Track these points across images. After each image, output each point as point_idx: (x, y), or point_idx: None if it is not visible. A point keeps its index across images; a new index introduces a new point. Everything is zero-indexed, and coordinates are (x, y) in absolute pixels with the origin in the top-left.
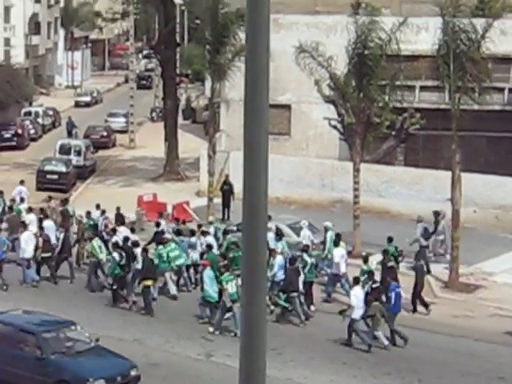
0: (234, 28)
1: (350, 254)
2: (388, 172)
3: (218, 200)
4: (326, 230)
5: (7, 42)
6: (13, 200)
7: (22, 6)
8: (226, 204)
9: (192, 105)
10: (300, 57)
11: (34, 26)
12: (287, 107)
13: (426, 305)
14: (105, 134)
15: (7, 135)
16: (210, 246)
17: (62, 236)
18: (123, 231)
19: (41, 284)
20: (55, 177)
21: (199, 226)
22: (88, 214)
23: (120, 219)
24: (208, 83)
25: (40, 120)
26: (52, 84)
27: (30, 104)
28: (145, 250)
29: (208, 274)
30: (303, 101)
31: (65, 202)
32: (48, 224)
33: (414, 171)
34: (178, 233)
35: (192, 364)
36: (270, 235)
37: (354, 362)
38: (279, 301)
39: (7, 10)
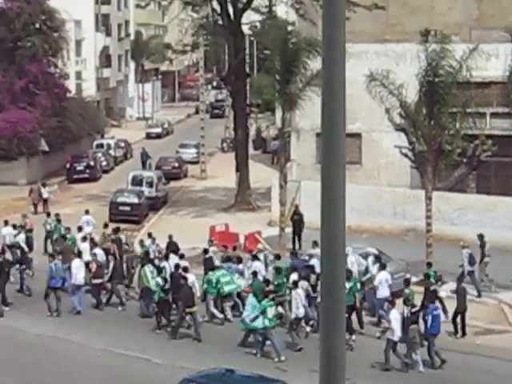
0: (303, 57)
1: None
2: (460, 199)
3: (289, 230)
4: (368, 255)
5: (79, 75)
6: (68, 228)
7: (93, 39)
8: (296, 233)
9: (262, 135)
10: (371, 85)
11: (105, 59)
12: (358, 136)
13: (463, 329)
14: (176, 165)
15: (80, 167)
16: (255, 273)
17: (112, 263)
18: (173, 258)
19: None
20: (128, 208)
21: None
22: (141, 242)
23: (172, 247)
24: (278, 113)
25: (112, 152)
26: (123, 116)
27: (102, 136)
28: (184, 278)
29: (250, 301)
30: (374, 129)
31: (117, 230)
32: (98, 252)
33: (487, 198)
34: (227, 259)
35: None
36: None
37: None
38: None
39: (78, 43)
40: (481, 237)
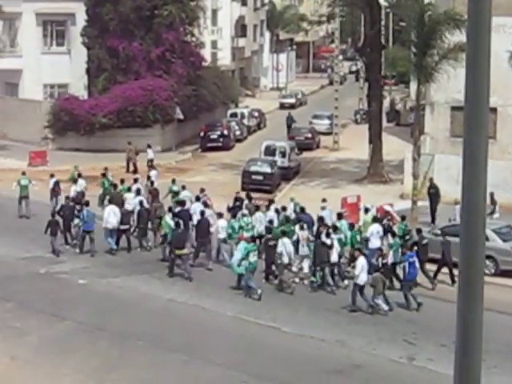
0: (441, 30)
1: None
2: None
3: (421, 203)
4: (367, 210)
5: (214, 44)
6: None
7: (229, 8)
8: (432, 207)
9: (396, 107)
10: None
11: (241, 29)
12: (493, 110)
13: (432, 278)
14: (309, 135)
15: (213, 136)
16: (271, 221)
17: (136, 210)
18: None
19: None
20: (260, 177)
21: (271, 201)
22: (183, 187)
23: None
24: (413, 85)
25: (245, 121)
26: (257, 86)
27: (236, 105)
28: (177, 223)
29: (240, 247)
30: (510, 104)
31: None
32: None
33: None
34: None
35: (394, 367)
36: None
37: None
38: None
39: (214, 12)
40: (492, 194)
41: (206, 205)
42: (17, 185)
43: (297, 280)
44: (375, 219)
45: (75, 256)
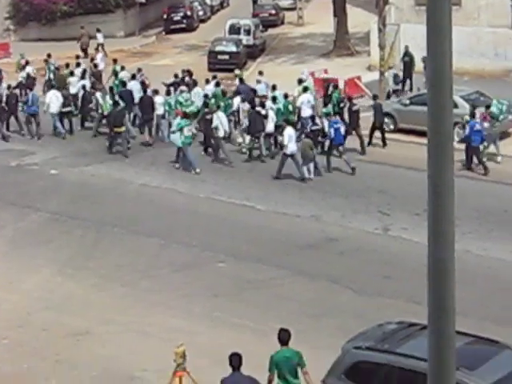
0: None
1: None
2: None
3: (388, 73)
4: (301, 81)
5: None
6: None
7: None
8: (406, 75)
9: None
10: None
11: None
12: None
13: (383, 141)
14: (273, 12)
15: (177, 17)
16: (206, 96)
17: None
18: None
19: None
20: (226, 57)
21: (214, 76)
22: (122, 68)
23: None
24: None
25: (208, 1)
26: None
27: None
28: (116, 102)
29: (176, 121)
30: None
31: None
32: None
33: None
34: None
35: (369, 238)
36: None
37: None
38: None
39: None
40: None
41: (143, 83)
42: None
43: (244, 150)
44: (305, 89)
45: (45, 147)
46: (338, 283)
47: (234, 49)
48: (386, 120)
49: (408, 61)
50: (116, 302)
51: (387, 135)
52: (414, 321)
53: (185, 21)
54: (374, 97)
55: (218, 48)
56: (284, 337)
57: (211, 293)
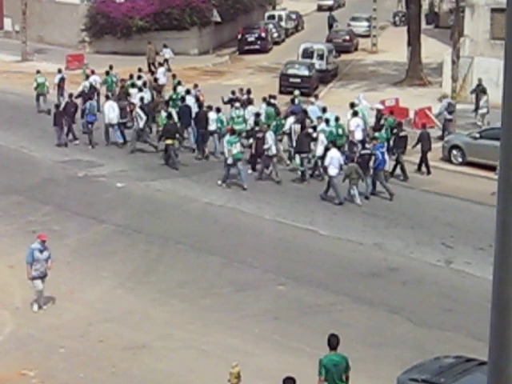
0: None
1: None
2: None
3: (461, 106)
4: (353, 105)
5: None
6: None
7: None
8: (477, 105)
9: (435, 9)
10: None
11: None
12: None
13: (428, 168)
14: (347, 38)
15: (251, 39)
16: (258, 114)
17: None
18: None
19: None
20: (298, 80)
21: (271, 96)
22: (179, 83)
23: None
24: None
25: (283, 24)
26: None
27: (274, 8)
28: (169, 115)
29: (226, 139)
30: None
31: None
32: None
33: None
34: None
35: (431, 270)
36: (315, 108)
37: None
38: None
39: None
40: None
41: (197, 99)
42: (36, 85)
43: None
44: (355, 113)
45: (114, 160)
46: (397, 313)
47: (306, 72)
48: (455, 152)
49: (481, 90)
50: (175, 318)
51: (455, 168)
52: (473, 356)
53: (259, 42)
54: (423, 126)
55: (291, 71)
56: (333, 342)
57: (271, 315)
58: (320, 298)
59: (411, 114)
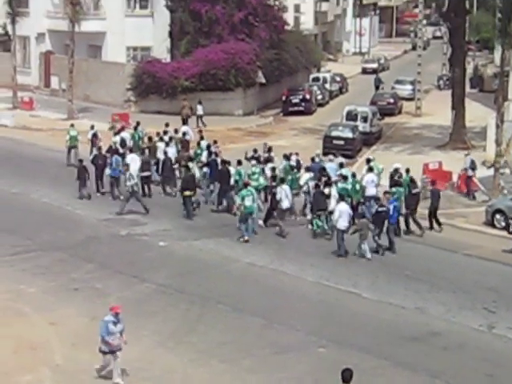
0: None
1: None
2: None
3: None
4: (369, 161)
5: (297, 8)
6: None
7: None
8: None
9: (479, 73)
10: None
11: None
12: None
13: (439, 224)
14: (391, 100)
15: (295, 100)
16: (274, 169)
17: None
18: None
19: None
20: (341, 142)
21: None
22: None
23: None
24: (497, 51)
25: (327, 86)
26: (340, 50)
27: (318, 70)
28: (187, 168)
29: (240, 193)
30: None
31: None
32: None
33: None
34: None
35: (473, 335)
36: (333, 165)
37: None
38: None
39: None
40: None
41: (216, 155)
42: (69, 137)
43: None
44: (370, 169)
45: (157, 219)
46: (438, 378)
47: (349, 135)
48: (498, 216)
49: None
50: (214, 379)
51: (498, 232)
52: None
53: (303, 104)
54: (433, 183)
55: (334, 133)
56: (346, 376)
57: (311, 377)
58: (361, 361)
59: (454, 178)
